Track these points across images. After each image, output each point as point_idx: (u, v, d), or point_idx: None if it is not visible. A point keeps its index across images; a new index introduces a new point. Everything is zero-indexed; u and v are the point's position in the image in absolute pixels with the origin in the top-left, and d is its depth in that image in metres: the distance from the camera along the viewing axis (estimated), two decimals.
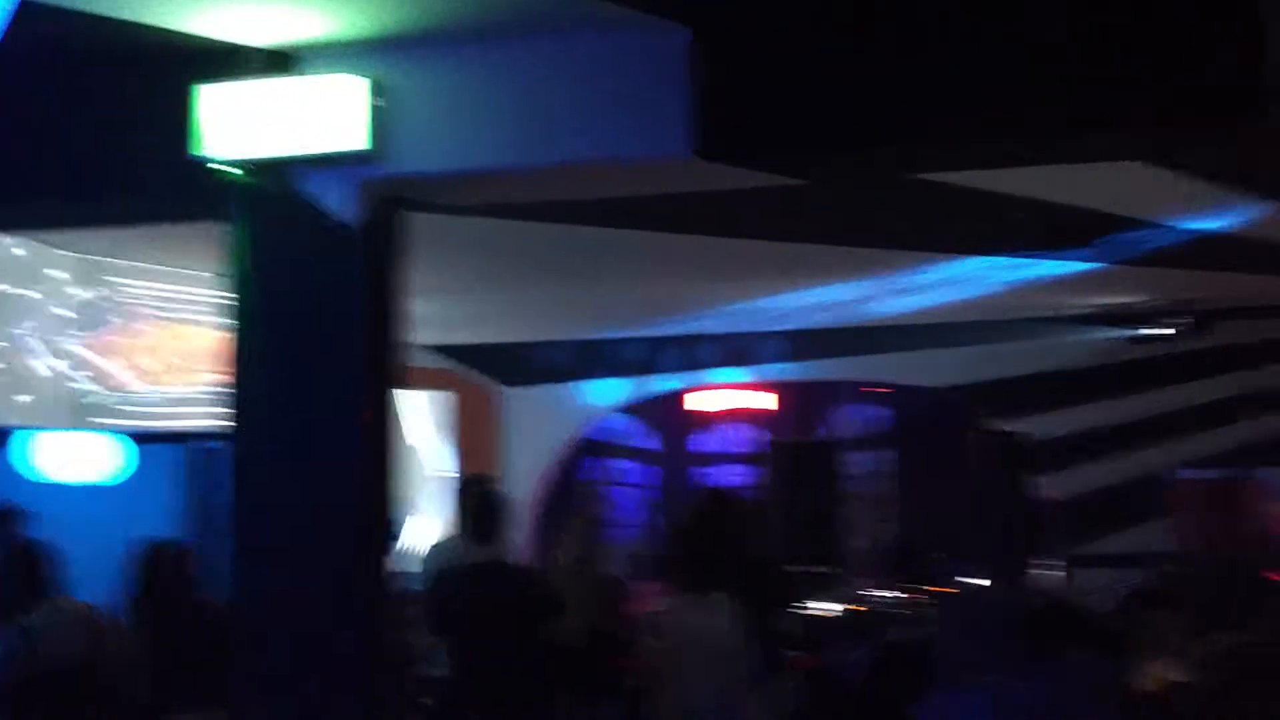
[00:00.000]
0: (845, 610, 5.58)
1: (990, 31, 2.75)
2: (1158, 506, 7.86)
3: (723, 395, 8.56)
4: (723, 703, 3.44)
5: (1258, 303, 7.23)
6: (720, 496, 4.53)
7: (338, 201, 3.25)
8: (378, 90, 3.16)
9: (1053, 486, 7.87)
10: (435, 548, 4.70)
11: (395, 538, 3.54)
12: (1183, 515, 7.86)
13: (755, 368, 8.11)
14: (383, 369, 3.34)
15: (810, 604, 5.26)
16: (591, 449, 8.51)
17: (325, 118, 3.17)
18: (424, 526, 6.46)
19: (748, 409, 8.62)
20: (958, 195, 4.07)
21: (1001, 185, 4.14)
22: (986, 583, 5.95)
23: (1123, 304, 7.18)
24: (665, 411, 8.66)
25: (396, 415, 3.48)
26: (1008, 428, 7.83)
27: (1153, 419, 7.82)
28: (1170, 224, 5.14)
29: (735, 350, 7.95)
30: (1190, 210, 4.91)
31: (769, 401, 8.59)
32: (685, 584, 3.70)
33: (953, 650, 2.48)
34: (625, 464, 8.81)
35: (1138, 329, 7.43)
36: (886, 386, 8.29)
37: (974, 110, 2.75)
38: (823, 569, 6.71)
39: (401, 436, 4.22)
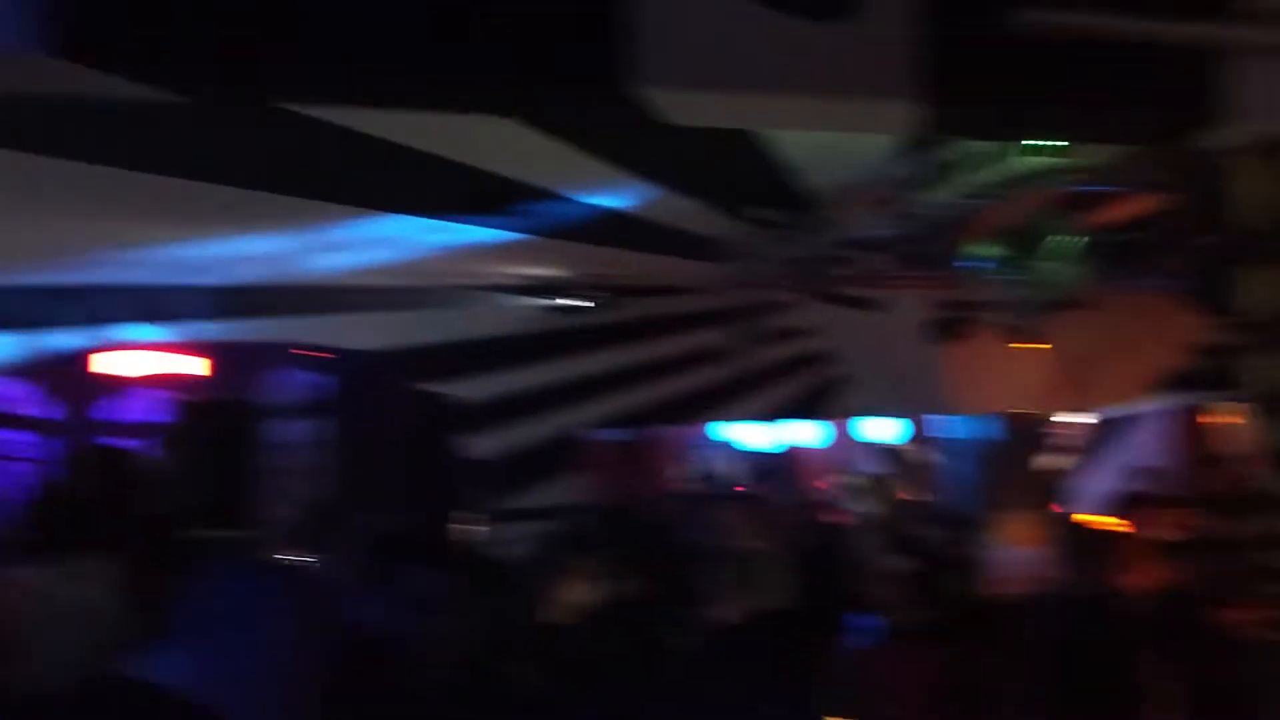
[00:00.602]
0: None
1: None
2: (574, 463, 8.55)
3: (139, 356, 7.86)
4: (86, 671, 3.19)
5: (664, 282, 8.09)
6: (97, 457, 4.20)
7: None
8: None
9: (482, 446, 8.26)
10: None
11: None
12: (594, 471, 8.64)
13: (178, 325, 7.54)
14: None
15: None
16: None
17: None
18: None
19: (168, 371, 8.00)
20: (375, 147, 4.08)
21: (418, 143, 4.22)
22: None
23: (545, 275, 7.67)
24: (65, 374, 7.74)
25: None
26: (440, 390, 8.07)
27: (572, 383, 8.48)
28: (578, 199, 5.56)
29: (154, 306, 7.31)
30: (592, 186, 5.35)
31: (191, 363, 8.05)
32: (49, 550, 3.38)
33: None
34: (8, 434, 7.76)
35: (560, 300, 7.97)
36: (321, 349, 8.15)
37: (335, 40, 2.72)
38: (236, 534, 6.47)
39: None
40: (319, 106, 3.48)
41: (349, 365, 8.10)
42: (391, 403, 7.90)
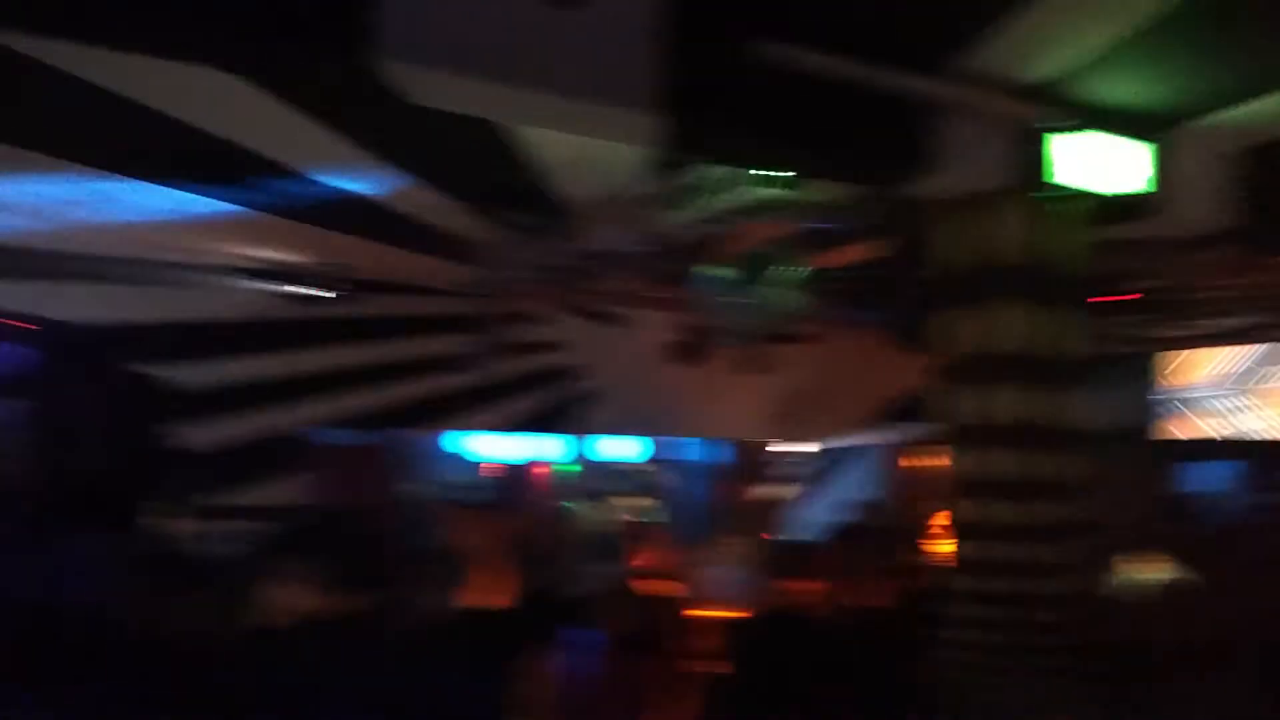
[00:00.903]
0: None
1: None
2: (297, 462, 8.19)
3: None
4: None
5: (408, 280, 7.86)
6: None
7: None
8: None
9: (195, 436, 7.78)
10: None
11: None
12: (317, 473, 8.32)
13: None
14: None
15: None
16: None
17: None
18: None
19: None
20: (95, 95, 3.76)
21: (144, 96, 3.93)
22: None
23: (280, 260, 7.31)
24: None
25: None
26: (152, 372, 7.56)
27: (301, 378, 8.12)
28: (318, 178, 5.32)
29: None
30: (336, 166, 5.14)
31: None
32: None
33: None
34: None
35: (294, 287, 7.60)
36: (22, 318, 7.48)
37: None
38: None
39: None
40: (24, 35, 3.17)
41: (53, 338, 7.46)
42: (95, 381, 7.33)
